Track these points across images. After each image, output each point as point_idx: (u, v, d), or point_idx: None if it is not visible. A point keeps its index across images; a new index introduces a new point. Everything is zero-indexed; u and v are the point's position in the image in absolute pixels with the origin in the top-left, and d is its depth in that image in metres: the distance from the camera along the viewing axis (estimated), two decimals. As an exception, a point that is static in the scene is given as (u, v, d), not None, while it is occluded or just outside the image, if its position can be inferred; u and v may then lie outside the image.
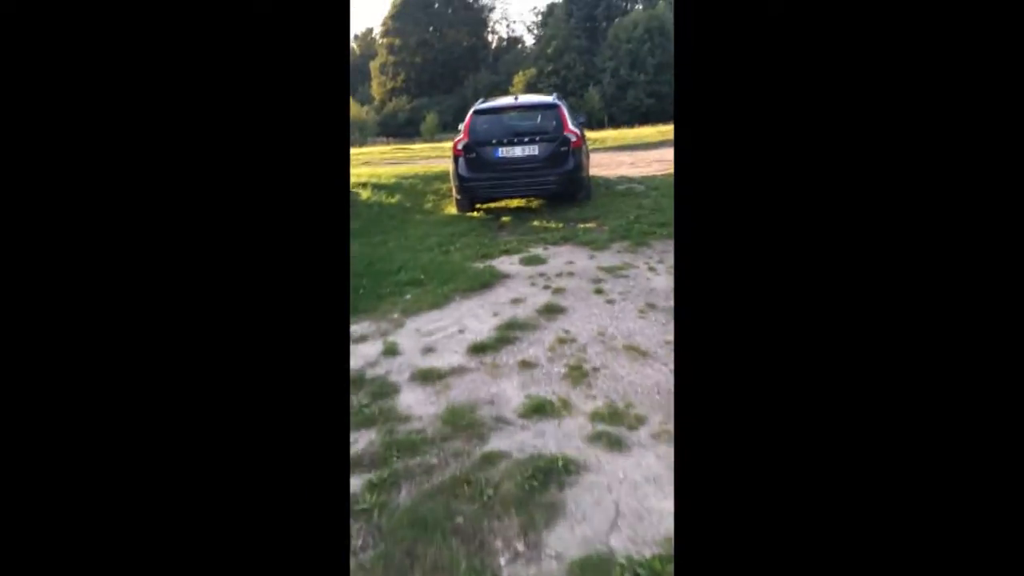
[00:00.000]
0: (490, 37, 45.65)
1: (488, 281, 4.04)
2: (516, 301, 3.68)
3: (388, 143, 26.47)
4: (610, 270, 4.19)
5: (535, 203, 7.02)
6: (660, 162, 10.76)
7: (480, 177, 6.22)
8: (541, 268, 4.39)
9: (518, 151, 6.19)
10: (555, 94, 7.39)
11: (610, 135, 18.52)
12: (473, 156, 6.22)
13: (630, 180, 8.54)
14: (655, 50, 34.59)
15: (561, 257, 4.68)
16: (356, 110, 35.59)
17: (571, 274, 4.16)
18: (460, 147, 6.30)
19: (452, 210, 6.85)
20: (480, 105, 6.71)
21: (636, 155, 12.44)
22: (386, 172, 9.50)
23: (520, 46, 44.45)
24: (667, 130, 19.14)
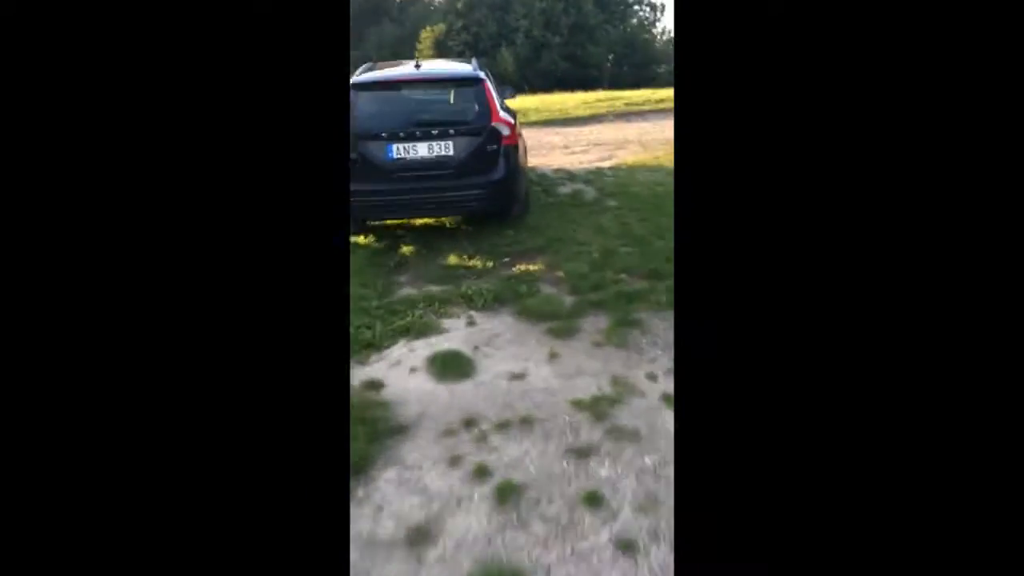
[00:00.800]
0: (394, -13, 41.63)
1: (364, 453, 2.03)
2: (418, 540, 1.70)
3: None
4: (594, 408, 2.27)
5: (450, 218, 4.99)
6: (599, 146, 8.92)
7: (366, 190, 4.02)
8: (466, 388, 2.43)
9: (423, 150, 4.06)
10: (474, 61, 5.03)
11: (530, 104, 16.40)
12: (354, 157, 4.04)
13: (572, 175, 6.63)
14: (569, 9, 32.48)
15: (499, 352, 2.74)
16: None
17: (525, 422, 2.22)
18: (333, 141, 4.08)
19: (329, 228, 4.70)
20: (363, 76, 4.40)
21: (567, 134, 10.54)
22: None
23: (427, -1, 40.83)
24: (591, 99, 17.37)
